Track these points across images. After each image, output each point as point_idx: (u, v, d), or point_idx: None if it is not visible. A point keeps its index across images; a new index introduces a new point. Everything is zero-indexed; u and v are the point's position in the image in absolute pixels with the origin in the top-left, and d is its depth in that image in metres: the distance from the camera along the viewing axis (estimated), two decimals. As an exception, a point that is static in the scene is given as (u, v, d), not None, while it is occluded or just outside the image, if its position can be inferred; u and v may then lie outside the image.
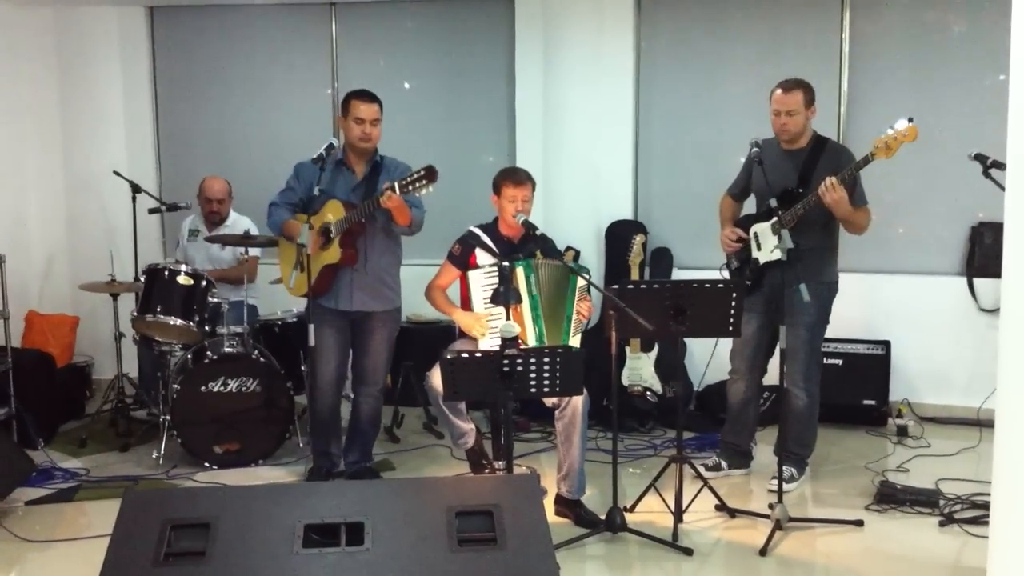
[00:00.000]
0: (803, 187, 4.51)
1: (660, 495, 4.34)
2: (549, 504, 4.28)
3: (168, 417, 5.12)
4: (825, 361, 5.33)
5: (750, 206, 4.93)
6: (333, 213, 4.55)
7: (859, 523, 4.26)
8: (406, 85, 6.89)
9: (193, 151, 7.05)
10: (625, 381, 5.73)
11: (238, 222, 6.00)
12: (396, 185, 4.30)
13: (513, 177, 4.54)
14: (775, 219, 4.43)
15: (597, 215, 6.52)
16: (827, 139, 4.68)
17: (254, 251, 5.79)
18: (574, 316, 4.42)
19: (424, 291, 4.71)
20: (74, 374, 6.39)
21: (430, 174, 4.26)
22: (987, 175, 4.41)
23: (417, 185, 4.27)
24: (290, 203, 4.73)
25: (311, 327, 4.50)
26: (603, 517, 4.14)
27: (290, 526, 2.53)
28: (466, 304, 4.52)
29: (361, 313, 4.71)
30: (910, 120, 4.16)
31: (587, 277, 4.32)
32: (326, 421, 4.79)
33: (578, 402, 4.20)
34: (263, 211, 4.86)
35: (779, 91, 4.56)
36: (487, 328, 4.40)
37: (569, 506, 4.32)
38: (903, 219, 6.09)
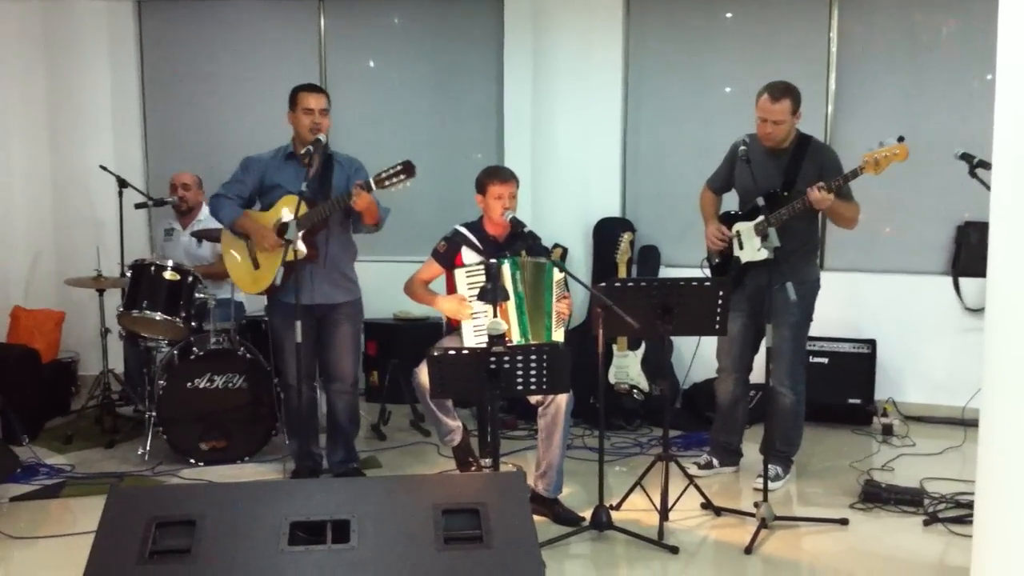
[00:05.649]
0: (788, 189, 4.51)
1: (646, 493, 4.35)
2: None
3: (154, 413, 5.09)
4: (811, 360, 5.34)
5: (729, 201, 4.91)
6: (289, 208, 4.40)
7: (844, 522, 4.27)
8: (394, 76, 6.88)
9: (180, 146, 7.03)
10: (612, 379, 5.73)
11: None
12: (372, 181, 4.24)
13: (498, 175, 4.50)
14: (760, 219, 4.44)
15: (585, 213, 6.53)
16: (810, 138, 4.65)
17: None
18: (554, 313, 4.39)
19: (403, 285, 4.65)
20: (59, 370, 6.35)
21: (407, 169, 4.21)
22: (973, 175, 4.40)
23: (395, 180, 4.21)
24: (240, 196, 4.61)
25: (273, 325, 4.33)
26: (589, 515, 4.15)
27: (276, 523, 2.53)
28: None
29: (325, 306, 4.62)
30: (901, 139, 4.16)
31: (563, 267, 4.26)
32: (303, 419, 4.69)
33: (562, 400, 4.20)
34: None
35: (766, 98, 4.46)
36: (470, 309, 4.34)
37: (546, 504, 4.30)
38: (889, 218, 6.10)
